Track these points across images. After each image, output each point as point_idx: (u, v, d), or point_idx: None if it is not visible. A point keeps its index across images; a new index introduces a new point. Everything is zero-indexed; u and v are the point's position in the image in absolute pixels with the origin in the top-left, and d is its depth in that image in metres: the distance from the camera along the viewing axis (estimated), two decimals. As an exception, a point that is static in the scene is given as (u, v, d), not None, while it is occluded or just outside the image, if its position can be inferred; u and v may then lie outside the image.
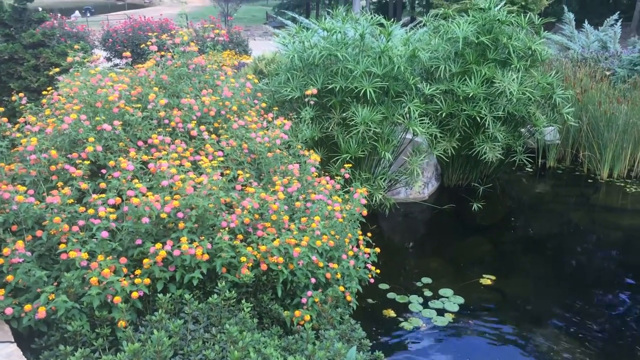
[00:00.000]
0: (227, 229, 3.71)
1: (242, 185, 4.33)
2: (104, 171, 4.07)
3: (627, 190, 7.76)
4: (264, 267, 3.68)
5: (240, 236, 3.79)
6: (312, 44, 6.43)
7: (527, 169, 8.59)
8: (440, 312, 4.89)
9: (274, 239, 3.77)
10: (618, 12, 13.87)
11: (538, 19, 7.36)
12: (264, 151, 4.70)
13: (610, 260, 6.03)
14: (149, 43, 5.55)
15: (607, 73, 10.19)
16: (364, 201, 4.66)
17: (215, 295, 3.36)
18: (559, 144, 8.73)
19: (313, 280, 3.89)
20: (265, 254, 3.70)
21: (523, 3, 17.42)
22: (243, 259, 3.59)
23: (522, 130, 7.64)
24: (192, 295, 3.39)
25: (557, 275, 5.64)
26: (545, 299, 5.18)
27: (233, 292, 3.41)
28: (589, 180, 8.18)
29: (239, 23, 25.67)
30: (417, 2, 33.42)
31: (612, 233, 6.64)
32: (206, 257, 3.53)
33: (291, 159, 4.94)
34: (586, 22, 13.53)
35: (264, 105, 5.70)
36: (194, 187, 3.80)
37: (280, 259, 3.67)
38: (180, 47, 5.36)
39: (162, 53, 5.40)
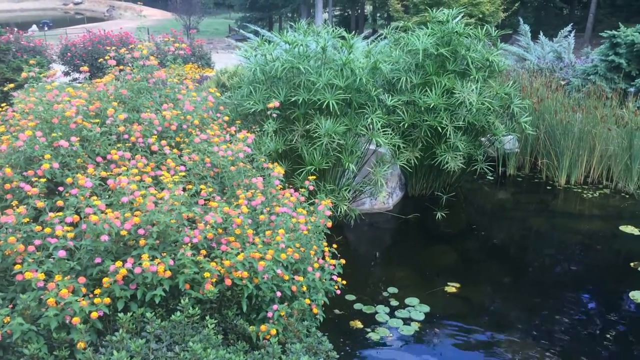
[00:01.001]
0: (189, 244, 3.65)
1: (205, 200, 4.28)
2: (61, 189, 3.96)
3: (584, 196, 8.00)
4: (228, 282, 3.64)
5: (203, 251, 3.74)
6: (275, 56, 6.44)
7: (488, 177, 8.74)
8: (407, 321, 4.92)
9: (238, 254, 3.74)
10: (571, 24, 14.38)
11: (495, 31, 7.55)
12: (227, 165, 4.66)
13: (570, 265, 6.19)
14: (107, 57, 5.46)
15: (562, 83, 10.52)
16: (329, 213, 4.66)
17: (179, 313, 3.30)
18: (518, 153, 8.94)
19: (279, 293, 3.86)
20: (229, 269, 3.66)
21: (480, 16, 17.90)
22: (207, 274, 3.54)
23: (482, 139, 7.81)
24: (154, 313, 3.32)
25: (520, 280, 5.75)
26: (509, 304, 5.28)
27: (197, 308, 3.36)
28: (548, 187, 8.40)
29: (202, 36, 25.55)
30: (378, 15, 33.91)
31: (571, 238, 6.82)
32: (168, 273, 3.46)
33: (255, 172, 4.92)
34: (541, 33, 13.97)
35: (226, 118, 5.66)
36: (155, 202, 3.74)
37: (245, 274, 3.63)
38: (140, 60, 5.29)
39: (122, 67, 5.32)
